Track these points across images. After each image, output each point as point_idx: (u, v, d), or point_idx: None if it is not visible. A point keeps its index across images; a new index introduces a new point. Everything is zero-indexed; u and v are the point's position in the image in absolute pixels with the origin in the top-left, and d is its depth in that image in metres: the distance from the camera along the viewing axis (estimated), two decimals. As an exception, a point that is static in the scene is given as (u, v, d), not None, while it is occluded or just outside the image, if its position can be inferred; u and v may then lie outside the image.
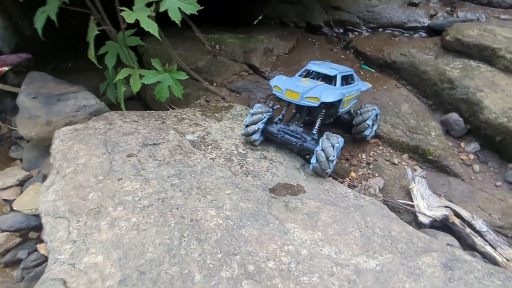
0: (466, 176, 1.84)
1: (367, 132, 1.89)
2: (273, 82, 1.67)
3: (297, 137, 1.63)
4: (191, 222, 1.20)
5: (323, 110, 1.66)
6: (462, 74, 2.06)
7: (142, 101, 2.64)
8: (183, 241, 1.12)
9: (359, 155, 1.98)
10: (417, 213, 1.61)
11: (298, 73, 1.80)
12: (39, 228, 1.64)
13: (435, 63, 2.20)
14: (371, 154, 1.97)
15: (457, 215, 1.58)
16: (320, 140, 1.53)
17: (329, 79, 1.72)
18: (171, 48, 2.20)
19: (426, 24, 2.67)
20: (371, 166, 1.91)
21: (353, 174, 1.85)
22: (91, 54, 1.75)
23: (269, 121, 1.72)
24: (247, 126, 1.67)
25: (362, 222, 1.34)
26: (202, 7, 1.83)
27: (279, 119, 1.72)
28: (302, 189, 1.50)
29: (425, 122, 2.01)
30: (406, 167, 1.87)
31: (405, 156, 1.94)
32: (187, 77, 2.10)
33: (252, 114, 1.68)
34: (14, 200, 1.76)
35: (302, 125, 1.70)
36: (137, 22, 1.68)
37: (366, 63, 2.56)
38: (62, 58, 2.98)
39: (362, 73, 2.46)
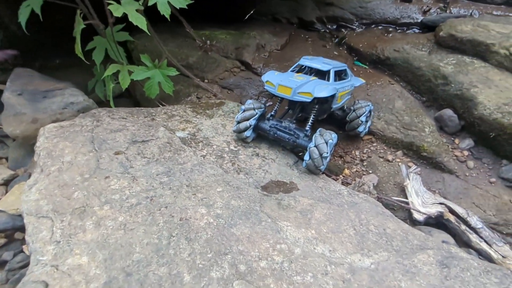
0: (461, 172, 1.82)
1: (360, 129, 1.86)
2: (265, 77, 1.64)
3: (289, 134, 1.60)
4: (181, 221, 1.16)
5: (316, 106, 1.63)
6: (456, 70, 2.05)
7: (132, 98, 2.59)
8: (172, 241, 1.08)
9: (353, 152, 1.95)
10: (412, 210, 1.59)
11: (291, 68, 1.77)
12: (25, 228, 1.58)
13: (428, 59, 2.19)
14: (364, 151, 1.95)
15: (452, 212, 1.56)
16: (313, 137, 1.50)
17: (322, 74, 1.69)
18: (161, 44, 2.15)
19: (419, 20, 2.65)
20: (365, 163, 1.88)
21: (346, 171, 1.82)
22: (78, 49, 1.70)
23: (261, 117, 1.68)
24: (238, 122, 1.63)
25: (357, 219, 1.31)
26: (192, 1, 1.78)
27: (272, 116, 1.69)
28: (295, 186, 1.46)
29: (419, 119, 1.99)
30: (400, 164, 1.85)
31: (399, 152, 1.92)
32: (178, 73, 2.05)
33: (244, 110, 1.64)
34: (-2, 200, 1.70)
35: (295, 121, 1.66)
36: (125, 17, 1.64)
37: (359, 59, 2.54)
38: (50, 55, 2.90)
39: (355, 69, 2.44)
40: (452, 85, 2.00)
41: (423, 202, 1.60)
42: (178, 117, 1.83)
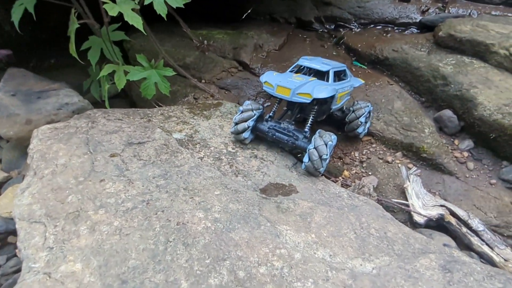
0: (461, 174, 1.81)
1: (360, 130, 1.84)
2: (263, 78, 1.61)
3: (288, 135, 1.58)
4: (178, 225, 1.13)
5: (315, 107, 1.60)
6: (455, 70, 2.03)
7: (128, 98, 2.55)
8: (168, 246, 1.05)
9: (352, 153, 1.93)
10: (412, 213, 1.57)
11: (289, 69, 1.74)
12: (17, 232, 1.55)
13: (428, 59, 2.17)
14: (364, 152, 1.92)
15: (453, 214, 1.54)
16: (313, 138, 1.48)
17: (321, 75, 1.67)
18: (158, 44, 2.12)
19: (418, 20, 2.63)
20: (364, 165, 1.86)
21: (346, 172, 1.80)
22: (72, 48, 1.66)
23: (260, 118, 1.65)
24: (236, 124, 1.60)
25: (357, 223, 1.29)
26: (189, 0, 1.75)
27: (270, 117, 1.66)
28: (294, 189, 1.44)
29: (419, 119, 1.97)
30: (400, 165, 1.83)
31: (398, 154, 1.90)
32: (174, 73, 2.02)
33: (242, 112, 1.61)
34: (-9, 203, 1.66)
35: (294, 122, 1.64)
36: (121, 16, 1.60)
37: (358, 59, 2.52)
38: (45, 54, 2.86)
39: (354, 69, 2.42)
40: (452, 85, 1.98)
41: (423, 204, 1.58)
42: (175, 118, 1.80)
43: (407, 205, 1.61)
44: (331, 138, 1.46)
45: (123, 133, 1.57)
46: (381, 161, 1.88)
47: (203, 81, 2.40)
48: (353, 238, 1.22)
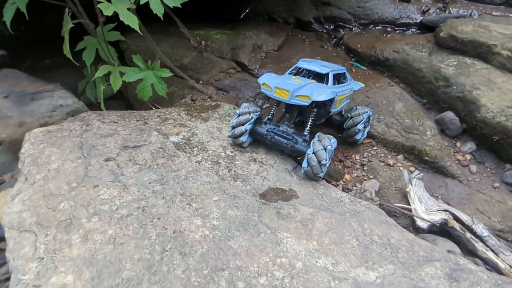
0: (463, 177, 1.77)
1: (358, 136, 1.80)
2: (261, 80, 1.57)
3: (288, 138, 1.54)
4: (174, 233, 1.09)
5: (314, 110, 1.57)
6: (457, 71, 2.00)
7: (125, 99, 2.51)
8: (165, 256, 1.01)
9: (353, 156, 1.89)
10: (415, 218, 1.53)
11: (288, 71, 1.70)
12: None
13: (429, 60, 2.13)
14: (365, 155, 1.89)
15: (457, 219, 1.50)
16: (312, 143, 1.44)
17: (320, 78, 1.63)
18: (154, 44, 2.08)
19: (418, 21, 2.60)
20: (365, 168, 1.83)
21: (347, 176, 1.76)
22: (66, 49, 1.62)
23: (258, 121, 1.61)
24: (233, 127, 1.56)
25: (359, 229, 1.25)
26: (187, 0, 1.71)
27: (268, 119, 1.62)
28: (295, 194, 1.40)
29: (420, 122, 1.93)
30: (401, 168, 1.80)
31: (400, 156, 1.87)
32: (172, 74, 1.98)
33: (239, 115, 1.57)
34: (-18, 208, 1.61)
35: (293, 125, 1.60)
36: (117, 16, 1.56)
37: (358, 60, 2.48)
38: (40, 55, 2.81)
39: (354, 70, 2.38)
40: (454, 87, 1.95)
41: (426, 209, 1.54)
42: (172, 121, 1.76)
43: (410, 210, 1.57)
44: (330, 142, 1.42)
45: (118, 137, 1.52)
46: (382, 164, 1.84)
47: (200, 82, 2.36)
48: (356, 246, 1.18)
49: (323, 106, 1.62)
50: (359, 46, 2.49)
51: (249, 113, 1.56)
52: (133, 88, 2.07)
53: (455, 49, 2.15)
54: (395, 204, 1.61)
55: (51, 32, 2.25)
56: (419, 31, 2.60)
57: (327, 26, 2.82)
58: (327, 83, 1.59)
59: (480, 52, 2.04)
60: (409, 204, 1.61)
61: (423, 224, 1.51)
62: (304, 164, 1.44)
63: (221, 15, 2.96)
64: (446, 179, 1.77)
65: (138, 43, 2.47)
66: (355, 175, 1.79)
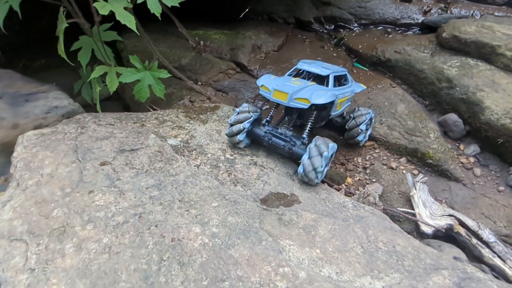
0: (467, 180, 1.74)
1: (360, 138, 1.76)
2: (260, 82, 1.53)
3: (285, 140, 1.49)
4: (172, 242, 1.04)
5: (314, 113, 1.52)
6: (460, 72, 1.97)
7: (121, 101, 2.46)
8: (162, 266, 0.96)
9: (355, 159, 1.85)
10: (419, 223, 1.49)
11: (288, 72, 1.66)
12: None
13: (431, 61, 2.10)
14: (367, 158, 1.85)
15: (462, 224, 1.47)
16: (308, 148, 1.39)
17: (321, 79, 1.59)
18: (152, 44, 2.03)
19: (420, 21, 2.57)
20: (367, 171, 1.79)
21: (349, 180, 1.73)
22: (60, 49, 1.57)
23: (257, 122, 1.57)
24: (232, 125, 1.52)
25: (364, 236, 1.21)
26: (185, -1, 1.67)
27: (267, 121, 1.58)
28: (297, 199, 1.36)
29: (423, 124, 1.90)
30: (404, 171, 1.76)
31: (403, 159, 1.83)
32: (170, 75, 1.94)
33: (238, 113, 1.53)
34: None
35: (291, 128, 1.56)
36: (113, 15, 1.52)
37: (359, 61, 2.45)
38: (34, 55, 2.76)
39: (355, 71, 2.34)
40: (457, 88, 1.91)
41: (431, 214, 1.51)
42: (170, 123, 1.71)
43: (414, 215, 1.54)
44: (327, 147, 1.37)
45: (114, 139, 1.48)
46: (385, 167, 1.80)
47: (199, 83, 2.31)
48: (360, 253, 1.14)
49: (323, 108, 1.58)
50: (360, 46, 2.46)
51: (248, 111, 1.53)
52: (130, 89, 2.02)
53: (458, 50, 2.12)
54: (399, 208, 1.57)
55: (46, 31, 2.21)
56: (420, 32, 2.56)
57: (327, 26, 2.78)
58: (327, 85, 1.55)
59: (484, 53, 2.01)
60: (412, 209, 1.57)
61: (427, 230, 1.47)
62: (300, 169, 1.40)
63: (220, 14, 2.91)
64: (450, 182, 1.74)
65: (135, 43, 2.42)
66: (357, 178, 1.75)
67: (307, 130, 1.50)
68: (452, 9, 2.63)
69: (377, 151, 1.88)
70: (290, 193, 1.38)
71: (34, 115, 1.83)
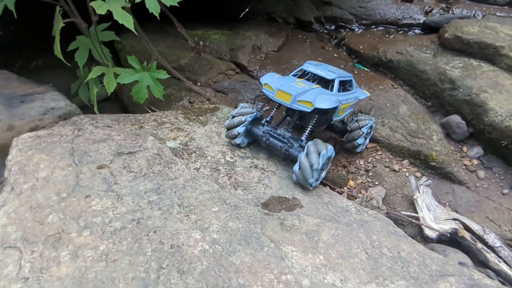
0: (471, 183, 1.71)
1: (360, 141, 1.72)
2: (264, 80, 1.50)
3: (283, 142, 1.46)
4: (172, 249, 1.01)
5: (316, 116, 1.49)
6: (463, 73, 1.94)
7: (120, 102, 2.42)
8: (161, 274, 0.93)
9: (357, 161, 1.82)
10: (423, 227, 1.47)
11: (293, 72, 1.63)
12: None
13: (434, 62, 2.07)
14: (369, 160, 1.82)
15: (467, 228, 1.44)
16: (299, 157, 1.35)
17: (325, 83, 1.55)
18: (151, 44, 2.00)
19: (421, 21, 2.54)
20: (370, 174, 1.76)
21: (351, 182, 1.70)
22: (57, 49, 1.54)
23: (256, 121, 1.55)
24: (233, 116, 1.51)
25: (368, 241, 1.18)
26: (184, -2, 1.64)
27: (267, 121, 1.55)
28: (299, 203, 1.33)
29: (426, 125, 1.87)
30: (407, 174, 1.73)
31: (405, 162, 1.80)
32: (168, 76, 1.90)
33: (233, 117, 1.50)
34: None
35: (291, 130, 1.53)
36: (111, 15, 1.48)
37: (360, 61, 2.42)
38: (31, 55, 2.72)
39: (356, 72, 2.32)
40: (460, 90, 1.89)
41: (435, 218, 1.48)
42: (168, 125, 1.68)
43: (417, 218, 1.51)
44: (325, 148, 1.34)
45: (112, 142, 1.44)
46: (387, 169, 1.78)
47: (198, 84, 2.28)
48: (365, 259, 1.11)
49: (326, 113, 1.54)
50: (361, 47, 2.43)
51: (243, 114, 1.50)
52: (128, 90, 1.99)
53: (461, 51, 2.10)
54: (402, 212, 1.54)
55: (43, 31, 2.17)
56: (422, 32, 2.54)
57: (328, 27, 2.75)
58: (332, 89, 1.52)
59: (487, 53, 1.99)
60: (416, 212, 1.54)
61: (431, 234, 1.44)
62: (296, 167, 1.37)
63: (219, 14, 2.88)
64: (453, 185, 1.71)
65: (133, 43, 2.39)
66: (359, 181, 1.72)
67: (306, 133, 1.47)
68: (453, 9, 2.61)
69: (379, 153, 1.85)
70: (292, 197, 1.35)
71: (30, 117, 1.79)
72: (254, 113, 1.51)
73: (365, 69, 2.35)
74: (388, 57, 2.25)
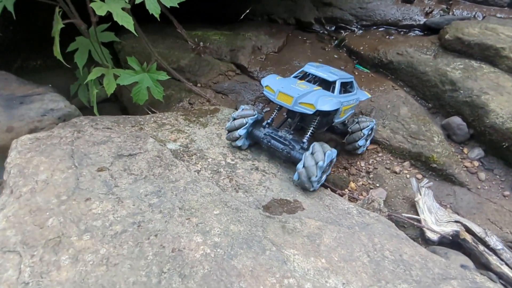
0: (472, 185, 1.71)
1: (361, 142, 1.71)
2: (265, 82, 1.49)
3: (284, 144, 1.46)
4: (173, 252, 1.00)
5: (317, 118, 1.49)
6: (464, 75, 1.93)
7: (119, 103, 2.41)
8: (163, 279, 0.92)
9: (358, 163, 1.82)
10: (425, 229, 1.46)
11: (294, 74, 1.62)
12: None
13: (434, 63, 2.07)
14: (370, 162, 1.82)
15: (468, 230, 1.43)
16: (303, 156, 1.35)
17: (327, 84, 1.55)
18: (150, 45, 1.99)
19: (422, 22, 2.54)
20: (371, 175, 1.76)
21: (352, 184, 1.69)
22: (56, 50, 1.53)
23: (257, 123, 1.54)
24: (234, 119, 1.51)
25: (370, 244, 1.18)
26: (184, -1, 1.63)
27: (268, 123, 1.54)
28: (300, 205, 1.32)
29: (427, 127, 1.87)
30: (408, 176, 1.73)
31: (406, 163, 1.80)
32: (168, 77, 1.90)
33: (234, 119, 1.50)
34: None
35: (292, 131, 1.52)
36: (111, 16, 1.47)
37: (360, 62, 2.42)
38: (30, 56, 2.71)
39: (356, 73, 2.31)
40: (461, 91, 1.88)
41: (437, 220, 1.47)
42: (169, 126, 1.67)
43: (419, 221, 1.50)
44: (323, 156, 1.32)
45: (112, 144, 1.43)
46: (388, 171, 1.77)
47: (198, 85, 2.27)
48: (367, 263, 1.10)
49: (327, 115, 1.54)
50: (361, 48, 2.42)
51: (244, 117, 1.49)
52: (128, 91, 1.98)
53: (461, 52, 2.09)
54: (404, 214, 1.54)
55: (42, 32, 2.16)
56: (422, 33, 2.53)
57: (328, 27, 2.74)
58: (333, 91, 1.51)
59: (488, 55, 1.98)
60: (417, 214, 1.54)
61: (433, 236, 1.44)
62: (295, 177, 1.37)
63: (219, 15, 2.87)
64: (455, 187, 1.71)
65: (133, 44, 2.38)
66: (360, 183, 1.72)
67: (308, 135, 1.47)
68: (454, 10, 2.60)
69: (380, 155, 1.85)
70: (293, 199, 1.35)
71: (29, 118, 1.78)
72: (255, 115, 1.51)
73: (366, 70, 2.35)
74: (388, 58, 2.24)
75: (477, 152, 1.82)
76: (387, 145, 1.85)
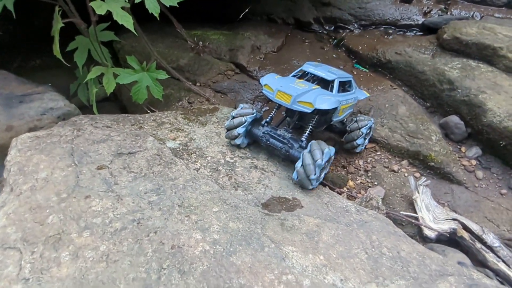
0: (470, 183, 1.72)
1: (359, 141, 1.73)
2: (264, 80, 1.50)
3: (283, 142, 1.47)
4: (172, 249, 1.01)
5: (316, 117, 1.50)
6: (462, 74, 1.95)
7: (119, 102, 2.42)
8: (162, 275, 0.93)
9: (356, 161, 1.83)
10: (422, 227, 1.47)
11: (293, 73, 1.63)
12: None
13: (432, 62, 2.08)
14: (368, 161, 1.83)
15: (466, 228, 1.45)
16: (302, 154, 1.36)
17: (325, 83, 1.56)
18: (150, 45, 1.99)
19: (420, 22, 2.55)
20: (369, 174, 1.76)
21: (351, 183, 1.70)
22: (56, 49, 1.54)
23: (256, 122, 1.55)
24: (233, 117, 1.52)
25: (368, 241, 1.19)
26: (184, -2, 1.64)
27: (267, 122, 1.55)
28: (299, 203, 1.33)
29: (425, 126, 1.88)
30: (406, 174, 1.74)
31: (404, 162, 1.81)
32: (168, 76, 1.90)
33: (233, 118, 1.51)
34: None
35: (291, 130, 1.53)
36: (110, 15, 1.48)
37: (359, 62, 2.43)
38: (29, 55, 2.71)
39: (355, 72, 2.32)
40: (459, 90, 1.90)
41: (434, 218, 1.48)
42: (168, 125, 1.68)
43: (416, 218, 1.51)
44: (321, 155, 1.32)
45: (112, 142, 1.44)
46: (386, 170, 1.78)
47: (198, 84, 2.28)
48: (365, 259, 1.11)
49: (325, 113, 1.55)
50: (360, 47, 2.43)
51: (242, 116, 1.50)
52: (127, 90, 1.98)
53: (459, 52, 2.11)
54: (402, 212, 1.55)
55: (41, 31, 2.17)
56: (421, 33, 2.54)
57: (327, 27, 2.75)
58: (331, 90, 1.52)
59: (485, 54, 1.99)
60: (415, 212, 1.55)
61: (431, 234, 1.45)
62: (294, 175, 1.38)
63: (219, 15, 2.88)
64: (452, 185, 1.72)
65: (132, 44, 2.38)
66: (359, 181, 1.73)
67: (306, 134, 1.47)
68: (452, 10, 2.62)
69: (378, 153, 1.86)
70: (292, 197, 1.36)
71: (29, 117, 1.79)
72: (254, 114, 1.52)
73: (364, 69, 2.36)
74: (387, 57, 2.25)
75: (475, 150, 1.84)
76: (386, 143, 1.86)
